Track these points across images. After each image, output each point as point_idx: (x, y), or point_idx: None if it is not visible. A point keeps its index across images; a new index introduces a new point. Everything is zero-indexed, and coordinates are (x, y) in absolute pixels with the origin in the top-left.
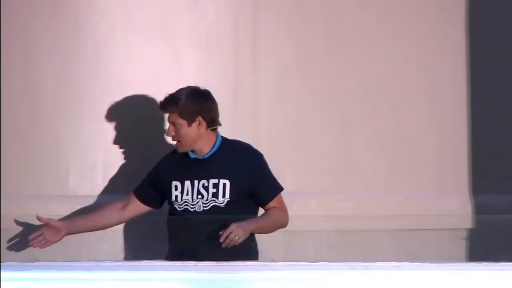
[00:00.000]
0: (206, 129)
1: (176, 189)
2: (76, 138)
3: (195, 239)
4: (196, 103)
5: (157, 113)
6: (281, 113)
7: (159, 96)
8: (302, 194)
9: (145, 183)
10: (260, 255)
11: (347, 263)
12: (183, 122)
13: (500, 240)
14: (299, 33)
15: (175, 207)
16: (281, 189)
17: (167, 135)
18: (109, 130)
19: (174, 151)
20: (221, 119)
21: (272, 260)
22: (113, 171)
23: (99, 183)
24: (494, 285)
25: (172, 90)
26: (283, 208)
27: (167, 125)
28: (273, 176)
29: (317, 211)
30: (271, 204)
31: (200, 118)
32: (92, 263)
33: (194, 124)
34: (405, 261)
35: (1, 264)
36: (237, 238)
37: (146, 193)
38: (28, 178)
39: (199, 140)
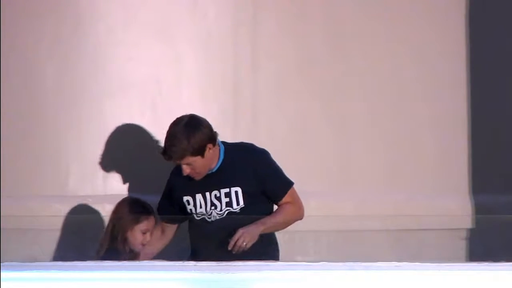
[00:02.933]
0: (214, 147)
1: (188, 204)
2: (76, 138)
3: (212, 245)
4: (199, 136)
5: (156, 113)
6: (281, 113)
7: (159, 96)
8: (302, 194)
9: (166, 204)
10: None
11: (347, 263)
12: (197, 158)
13: (500, 240)
14: (299, 33)
15: (194, 217)
16: (291, 183)
17: (184, 174)
18: (109, 130)
19: (179, 166)
20: (221, 119)
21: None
22: (113, 171)
23: (99, 183)
24: (494, 285)
25: (172, 90)
26: (295, 202)
27: (166, 123)
28: (281, 171)
29: (317, 211)
30: (284, 200)
31: (209, 145)
32: (92, 263)
33: (206, 153)
34: (405, 261)
35: (1, 264)
36: (244, 244)
37: (172, 208)
38: (28, 178)
39: (212, 161)
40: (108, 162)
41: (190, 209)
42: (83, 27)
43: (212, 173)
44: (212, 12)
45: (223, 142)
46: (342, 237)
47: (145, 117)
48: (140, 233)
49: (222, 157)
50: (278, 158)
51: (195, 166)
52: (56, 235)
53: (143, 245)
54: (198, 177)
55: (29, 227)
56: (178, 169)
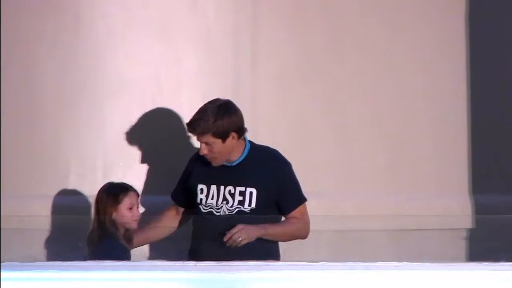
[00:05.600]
0: (238, 140)
1: (201, 192)
2: (76, 138)
3: (214, 240)
4: (227, 120)
5: (157, 113)
6: (281, 113)
7: (159, 96)
8: None
9: (180, 188)
10: None
11: (347, 263)
12: (217, 141)
13: (500, 240)
14: (299, 33)
15: (200, 208)
16: (304, 200)
17: (200, 153)
18: (109, 130)
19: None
20: None
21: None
22: (113, 171)
23: (99, 183)
24: (494, 285)
25: (172, 90)
26: (303, 220)
27: (166, 123)
28: (299, 186)
29: (317, 211)
30: (293, 214)
31: (233, 133)
32: (92, 263)
33: (228, 140)
34: (405, 261)
35: (1, 264)
36: (239, 239)
37: (184, 198)
38: (28, 178)
39: (232, 152)
40: (108, 162)
41: (201, 199)
42: (83, 27)
43: (231, 166)
44: (212, 12)
45: (251, 142)
46: (342, 237)
47: (145, 117)
48: (126, 210)
49: (245, 154)
50: None
51: (213, 148)
52: (55, 235)
53: (136, 220)
54: (213, 162)
55: (29, 227)
56: (197, 156)
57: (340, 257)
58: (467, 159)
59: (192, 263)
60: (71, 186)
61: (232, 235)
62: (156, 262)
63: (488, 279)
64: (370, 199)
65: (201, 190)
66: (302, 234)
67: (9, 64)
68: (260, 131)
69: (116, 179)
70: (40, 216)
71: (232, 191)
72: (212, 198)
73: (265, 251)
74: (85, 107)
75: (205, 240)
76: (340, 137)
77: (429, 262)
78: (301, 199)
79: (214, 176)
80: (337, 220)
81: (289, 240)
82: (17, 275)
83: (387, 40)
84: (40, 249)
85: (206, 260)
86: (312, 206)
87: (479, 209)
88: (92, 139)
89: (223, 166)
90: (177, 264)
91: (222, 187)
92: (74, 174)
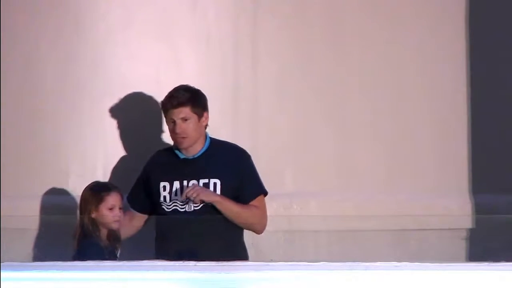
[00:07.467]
0: (205, 127)
1: (164, 190)
2: (76, 138)
3: (185, 239)
4: (203, 98)
5: (157, 113)
6: (281, 113)
7: (159, 96)
8: (302, 194)
9: (137, 193)
10: (260, 255)
11: (347, 263)
12: (194, 117)
13: (500, 240)
14: (299, 33)
15: (163, 208)
16: (264, 192)
17: (176, 131)
18: (109, 130)
19: (158, 152)
20: (221, 119)
21: (272, 260)
22: (113, 171)
23: None
24: (494, 285)
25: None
26: (261, 210)
27: (166, 125)
28: (259, 178)
29: (317, 211)
30: (251, 203)
31: (206, 113)
32: (92, 263)
33: (202, 119)
34: (405, 261)
35: (1, 264)
36: (194, 195)
37: (142, 203)
38: (28, 178)
39: (199, 139)
40: (108, 162)
41: (164, 196)
42: (83, 27)
43: (192, 159)
44: (212, 12)
45: (210, 137)
46: (342, 237)
47: (145, 117)
48: (107, 210)
49: (206, 146)
50: (279, 158)
51: (188, 125)
52: (55, 235)
53: (117, 221)
54: (183, 143)
55: (29, 227)
56: (155, 158)
57: (340, 257)
58: (467, 159)
59: (192, 263)
60: (71, 186)
61: (187, 192)
62: (156, 262)
63: (488, 279)
64: (370, 199)
65: (164, 187)
66: (257, 223)
67: (9, 63)
68: (260, 131)
69: (116, 179)
70: (40, 216)
71: (196, 184)
72: (176, 194)
73: (233, 251)
74: (85, 107)
75: (172, 240)
76: (340, 137)
77: (429, 262)
78: (262, 190)
79: (176, 171)
80: (337, 220)
81: (243, 225)
82: (17, 275)
83: (387, 40)
84: (40, 249)
85: (175, 260)
86: (312, 206)
87: (479, 209)
88: (92, 139)
89: (184, 160)
90: (177, 264)
91: (185, 182)
92: (74, 174)
